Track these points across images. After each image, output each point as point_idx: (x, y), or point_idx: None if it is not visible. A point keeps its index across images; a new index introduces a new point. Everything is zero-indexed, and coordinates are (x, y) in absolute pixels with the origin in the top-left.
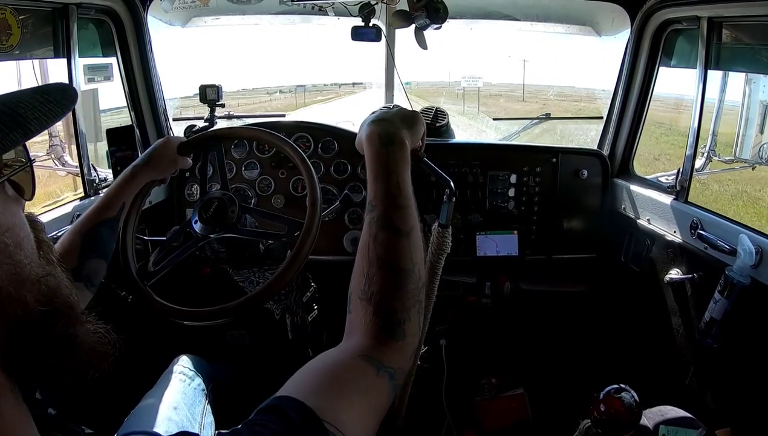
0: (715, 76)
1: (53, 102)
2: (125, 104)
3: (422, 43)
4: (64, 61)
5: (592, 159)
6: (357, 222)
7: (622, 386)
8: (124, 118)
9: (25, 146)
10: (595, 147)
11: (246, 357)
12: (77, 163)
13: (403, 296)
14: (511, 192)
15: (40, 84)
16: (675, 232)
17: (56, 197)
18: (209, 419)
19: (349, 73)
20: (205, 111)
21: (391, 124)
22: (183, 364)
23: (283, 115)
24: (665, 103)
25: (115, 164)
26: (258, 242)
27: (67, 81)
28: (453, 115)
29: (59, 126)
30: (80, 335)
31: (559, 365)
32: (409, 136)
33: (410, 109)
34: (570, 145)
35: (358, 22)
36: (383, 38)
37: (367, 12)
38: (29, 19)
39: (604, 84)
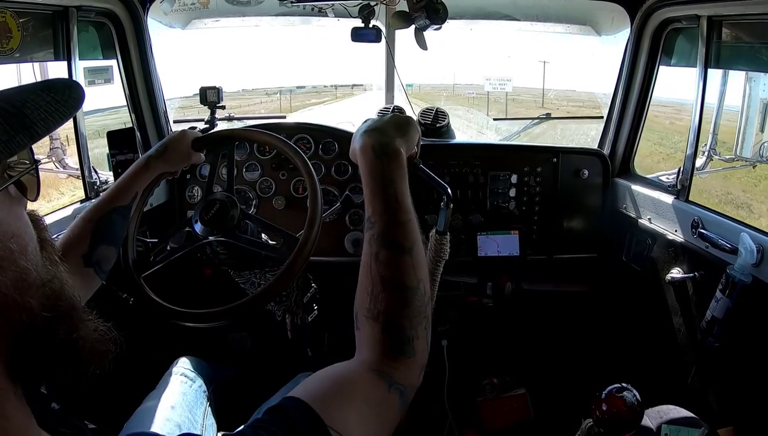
0: (715, 74)
1: (60, 101)
2: (115, 105)
3: (422, 43)
4: (65, 63)
5: (592, 159)
6: (358, 223)
7: (624, 385)
8: (116, 118)
9: (30, 147)
10: (595, 146)
11: (247, 358)
12: (78, 166)
13: (409, 314)
14: (512, 192)
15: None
16: (676, 231)
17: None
18: (210, 420)
19: (349, 75)
20: (204, 112)
21: (384, 133)
22: (184, 365)
23: (284, 117)
24: (656, 108)
25: (116, 167)
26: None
27: None
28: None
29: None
30: (82, 335)
31: (560, 364)
32: (404, 144)
33: (404, 115)
34: (570, 145)
35: (358, 23)
36: (383, 39)
37: (366, 13)
38: (29, 22)
39: (606, 87)
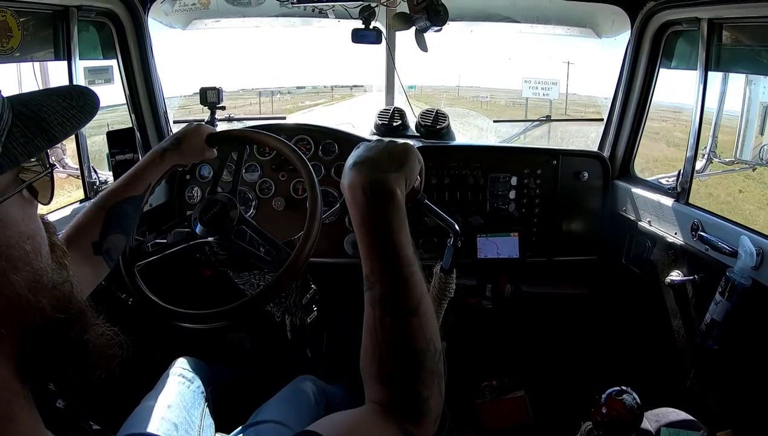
0: (715, 77)
1: (76, 107)
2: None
3: (422, 45)
4: (65, 63)
5: (592, 161)
6: None
7: (624, 388)
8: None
9: (45, 151)
10: (595, 149)
11: (245, 359)
12: (77, 166)
13: (422, 376)
14: (512, 194)
15: (48, 85)
16: (676, 233)
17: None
18: (208, 421)
19: (348, 76)
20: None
21: (376, 167)
22: (182, 366)
23: (284, 118)
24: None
25: (116, 167)
26: (258, 245)
27: (67, 84)
28: None
29: None
30: (91, 338)
31: (560, 367)
32: (401, 179)
33: (401, 143)
34: (570, 147)
35: (359, 24)
36: (383, 41)
37: (367, 14)
38: (30, 21)
39: (607, 90)
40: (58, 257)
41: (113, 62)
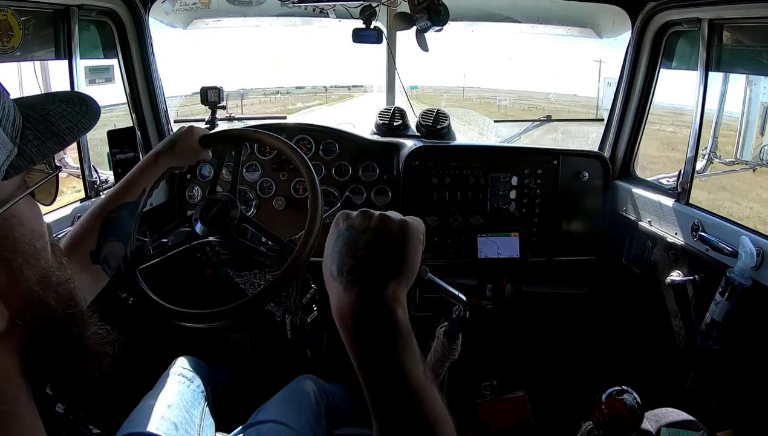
0: (715, 77)
1: (80, 112)
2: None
3: (423, 45)
4: (66, 62)
5: (593, 161)
6: None
7: (624, 387)
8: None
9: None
10: (596, 149)
11: (246, 359)
12: (78, 165)
13: None
14: (512, 194)
15: (45, 87)
16: (676, 234)
17: None
18: (208, 421)
19: (345, 76)
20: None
21: (368, 281)
22: (182, 365)
23: (284, 118)
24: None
25: (116, 166)
26: (259, 245)
27: (68, 83)
28: None
29: None
30: (89, 336)
31: (560, 367)
32: (403, 284)
33: (396, 220)
34: (571, 147)
35: (359, 24)
36: (384, 40)
37: (368, 14)
38: (30, 20)
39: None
40: (58, 257)
41: (114, 61)
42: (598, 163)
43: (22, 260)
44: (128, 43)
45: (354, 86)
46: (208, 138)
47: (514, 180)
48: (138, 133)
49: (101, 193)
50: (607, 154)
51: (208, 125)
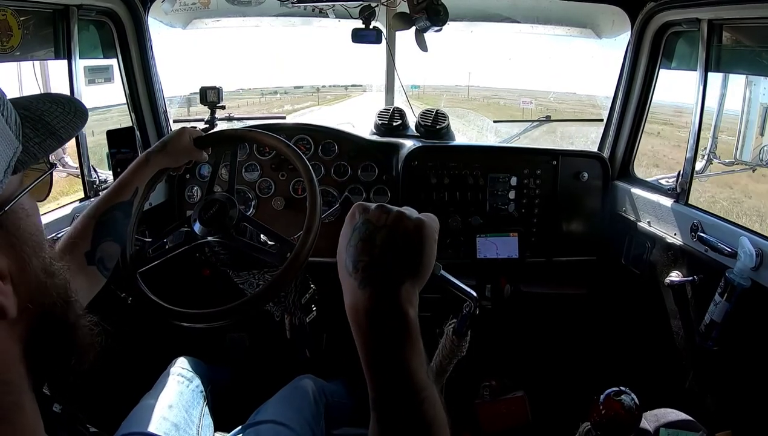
0: (715, 78)
1: (71, 112)
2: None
3: (422, 45)
4: (65, 62)
5: (592, 161)
6: None
7: (622, 388)
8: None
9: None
10: (595, 149)
11: (245, 359)
12: (77, 165)
13: None
14: (512, 194)
15: (44, 87)
16: (675, 234)
17: None
18: (207, 420)
19: (344, 76)
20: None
21: (384, 279)
22: (181, 366)
23: (284, 117)
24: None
25: (116, 166)
26: (258, 244)
27: (67, 82)
28: None
29: None
30: (81, 327)
31: (559, 367)
32: (417, 285)
33: (413, 218)
34: (570, 148)
35: (359, 24)
36: (383, 40)
37: (367, 14)
38: (30, 20)
39: (607, 90)
40: (53, 250)
41: (113, 61)
42: (598, 163)
43: (30, 250)
44: (127, 42)
45: (353, 85)
46: (203, 139)
47: (514, 180)
48: (137, 133)
49: (101, 193)
50: (606, 154)
51: (207, 125)
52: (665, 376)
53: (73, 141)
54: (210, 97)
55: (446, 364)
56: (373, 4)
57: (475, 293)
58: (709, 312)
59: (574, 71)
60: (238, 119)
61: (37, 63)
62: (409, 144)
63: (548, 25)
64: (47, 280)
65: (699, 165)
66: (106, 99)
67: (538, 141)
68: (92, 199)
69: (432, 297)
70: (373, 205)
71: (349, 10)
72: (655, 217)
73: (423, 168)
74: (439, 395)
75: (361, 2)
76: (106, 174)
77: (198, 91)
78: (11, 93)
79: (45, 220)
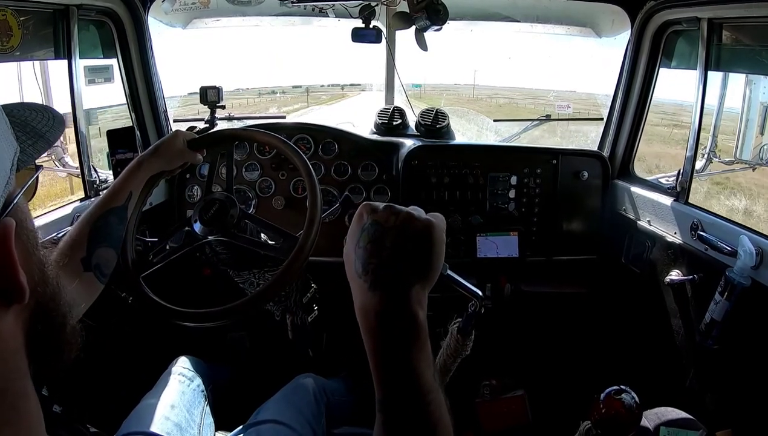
0: (715, 77)
1: (51, 118)
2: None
3: (422, 44)
4: (65, 62)
5: (592, 160)
6: None
7: (623, 387)
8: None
9: None
10: (595, 148)
11: (245, 359)
12: (77, 165)
13: None
14: (512, 193)
15: (44, 87)
16: (675, 233)
17: None
18: (209, 420)
19: (340, 75)
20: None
21: (394, 281)
22: (182, 365)
23: (284, 117)
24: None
25: (116, 166)
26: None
27: (68, 82)
28: None
29: None
30: (68, 321)
31: (559, 366)
32: (427, 288)
33: (422, 218)
34: (570, 147)
35: (359, 23)
36: (383, 40)
37: (367, 14)
38: (30, 20)
39: (606, 89)
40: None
41: (113, 61)
42: (598, 162)
43: (30, 245)
44: (127, 42)
45: (351, 85)
46: (196, 141)
47: (514, 179)
48: (137, 132)
49: (101, 193)
50: (606, 153)
51: (207, 124)
52: (665, 375)
53: (73, 141)
54: (210, 96)
55: (450, 363)
56: (373, 4)
57: (480, 292)
58: (709, 311)
59: (573, 70)
60: (239, 119)
61: (37, 63)
62: (409, 143)
63: (548, 24)
64: (46, 271)
65: (699, 164)
66: (109, 99)
67: (538, 140)
68: (93, 199)
69: (433, 296)
70: (381, 206)
71: (348, 9)
72: (655, 216)
73: (423, 167)
74: (444, 397)
75: (360, 2)
76: (106, 174)
77: (198, 90)
78: (11, 93)
79: (45, 220)
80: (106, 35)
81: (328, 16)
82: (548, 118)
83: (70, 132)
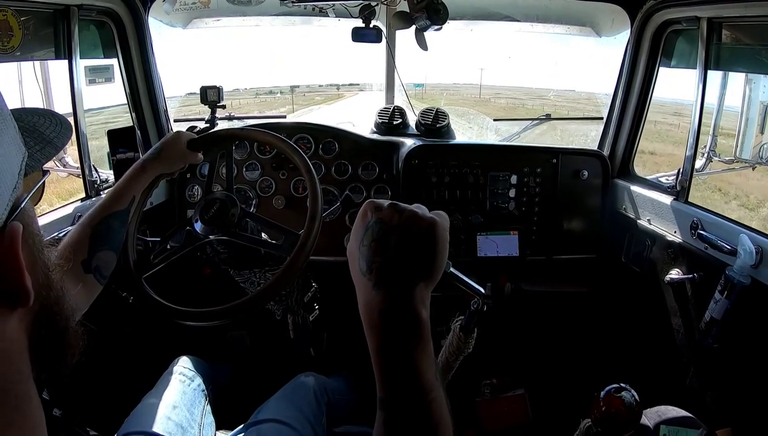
0: (714, 76)
1: (58, 124)
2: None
3: (422, 44)
4: (66, 62)
5: (592, 160)
6: None
7: (623, 385)
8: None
9: None
10: (595, 147)
11: (246, 358)
12: (78, 165)
13: None
14: (512, 193)
15: (45, 87)
16: (675, 232)
17: None
18: (209, 419)
19: (338, 75)
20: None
21: (398, 281)
22: (183, 364)
23: (284, 117)
24: None
25: (116, 166)
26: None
27: (68, 82)
28: None
29: None
30: (70, 324)
31: (559, 365)
32: (431, 286)
33: (426, 217)
34: (570, 146)
35: (359, 23)
36: (383, 39)
37: (367, 13)
38: (30, 20)
39: (606, 88)
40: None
41: (114, 61)
42: (598, 161)
43: (37, 247)
44: (128, 42)
45: (350, 84)
46: (197, 142)
47: (514, 179)
48: (138, 132)
49: (101, 193)
50: (606, 152)
51: (207, 124)
52: (666, 373)
53: (73, 142)
54: (210, 96)
55: (453, 360)
56: (373, 3)
57: (483, 290)
58: (709, 310)
59: (573, 69)
60: (239, 118)
61: (37, 63)
62: (409, 142)
63: (548, 23)
64: (50, 274)
65: (699, 163)
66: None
67: (538, 139)
68: (93, 198)
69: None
70: (385, 204)
71: (349, 9)
72: (655, 215)
73: (423, 166)
74: (445, 396)
75: (361, 1)
76: (107, 173)
77: (198, 90)
78: (11, 93)
79: (46, 220)
80: (107, 35)
81: (328, 16)
82: (548, 118)
83: None
